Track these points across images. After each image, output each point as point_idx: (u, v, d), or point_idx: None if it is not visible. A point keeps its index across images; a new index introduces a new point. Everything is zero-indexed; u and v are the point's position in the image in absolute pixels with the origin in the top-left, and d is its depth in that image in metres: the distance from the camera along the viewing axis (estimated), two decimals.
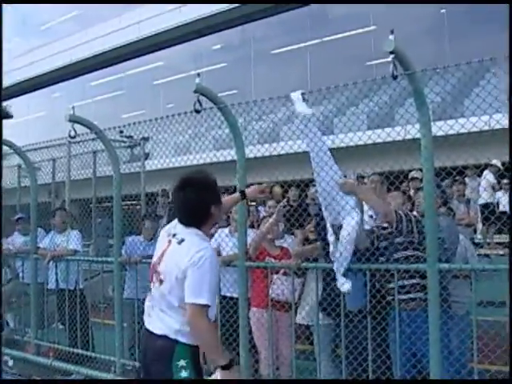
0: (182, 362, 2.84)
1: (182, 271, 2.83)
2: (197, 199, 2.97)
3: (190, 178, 3.04)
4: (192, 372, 2.84)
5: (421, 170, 7.91)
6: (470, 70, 4.06)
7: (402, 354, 4.09)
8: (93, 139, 9.45)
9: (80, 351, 6.35)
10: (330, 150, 4.40)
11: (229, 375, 2.82)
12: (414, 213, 5.10)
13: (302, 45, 17.52)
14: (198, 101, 4.63)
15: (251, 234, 5.25)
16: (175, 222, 3.09)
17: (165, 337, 2.89)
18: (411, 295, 4.16)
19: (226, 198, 3.75)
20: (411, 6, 13.97)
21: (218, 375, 2.81)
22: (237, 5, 16.62)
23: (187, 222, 3.01)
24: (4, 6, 5.62)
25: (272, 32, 18.20)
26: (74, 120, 5.74)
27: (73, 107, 5.88)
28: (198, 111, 4.66)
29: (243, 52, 18.68)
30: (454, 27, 14.19)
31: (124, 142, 11.16)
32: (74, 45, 21.16)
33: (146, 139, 11.35)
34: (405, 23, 13.46)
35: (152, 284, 3.03)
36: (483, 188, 10.06)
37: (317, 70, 16.17)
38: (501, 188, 10.14)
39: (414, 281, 4.17)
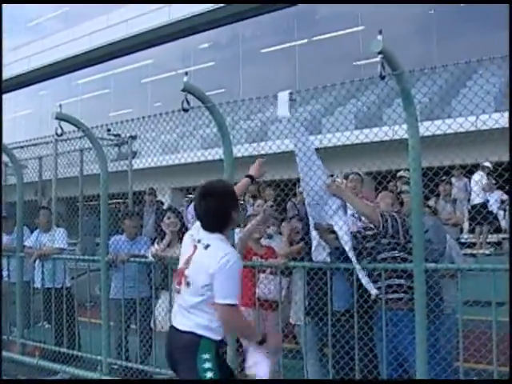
0: (207, 355, 3.10)
1: (210, 275, 3.08)
2: (218, 207, 3.21)
3: (211, 188, 3.31)
4: (214, 365, 3.11)
5: (408, 169, 7.96)
6: (458, 70, 4.10)
7: (388, 353, 4.11)
8: (80, 137, 9.41)
9: (66, 350, 6.31)
10: (318, 149, 4.41)
11: (266, 347, 3.27)
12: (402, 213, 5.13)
13: (291, 44, 17.52)
14: (186, 99, 4.61)
15: (239, 234, 5.25)
16: (197, 226, 3.32)
17: (191, 333, 3.15)
18: (397, 295, 4.18)
19: (237, 186, 3.93)
20: (400, 6, 14.03)
21: (255, 349, 3.29)
22: (224, 4, 16.62)
23: (211, 229, 3.24)
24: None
25: (260, 31, 18.19)
26: (61, 118, 5.72)
27: (60, 105, 5.85)
28: (185, 110, 4.65)
29: (231, 51, 18.65)
30: (442, 28, 14.26)
31: (111, 140, 11.10)
32: (61, 42, 21.03)
33: (133, 138, 11.31)
34: (393, 24, 13.51)
35: (179, 287, 3.28)
36: (479, 187, 10.12)
37: (305, 70, 16.18)
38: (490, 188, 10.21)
39: (401, 281, 4.19)
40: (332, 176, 4.43)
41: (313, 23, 17.16)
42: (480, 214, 9.42)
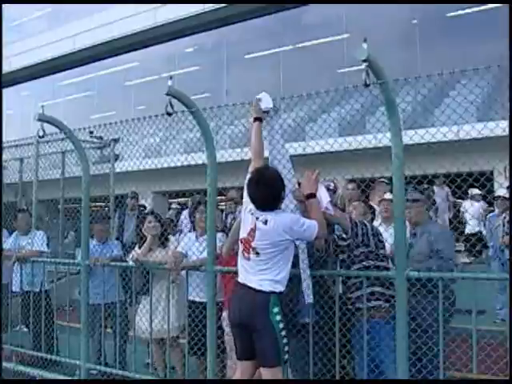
0: (276, 309, 3.76)
1: (279, 239, 3.80)
2: (272, 192, 3.87)
3: (262, 175, 3.92)
4: (282, 316, 3.79)
5: (389, 178, 7.97)
6: (441, 80, 4.12)
7: (366, 363, 4.11)
8: (62, 139, 9.32)
9: (44, 355, 6.23)
10: (304, 155, 4.42)
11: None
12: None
13: (276, 50, 17.54)
14: (170, 103, 4.58)
15: (221, 239, 5.22)
16: (252, 204, 3.94)
17: (261, 291, 3.78)
18: (371, 304, 4.19)
19: (252, 139, 4.32)
20: (385, 15, 14.13)
21: None
22: (212, 7, 16.60)
23: (267, 209, 3.87)
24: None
25: (246, 37, 18.16)
26: (43, 119, 5.65)
27: (42, 106, 5.79)
28: (169, 114, 4.62)
29: (216, 56, 18.62)
30: (425, 38, 14.37)
31: (93, 142, 10.99)
32: (44, 43, 20.85)
33: (116, 140, 11.21)
34: (377, 32, 13.57)
35: (248, 255, 3.89)
36: (471, 215, 10.11)
37: (289, 76, 16.21)
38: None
39: (374, 289, 4.21)
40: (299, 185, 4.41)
41: (298, 30, 17.20)
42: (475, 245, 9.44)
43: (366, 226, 4.32)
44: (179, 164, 6.48)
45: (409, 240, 4.69)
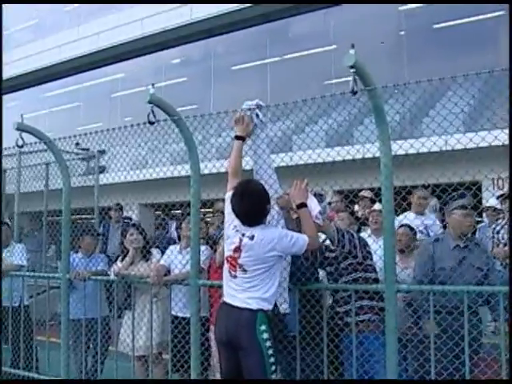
0: (264, 327, 3.60)
1: (267, 255, 3.64)
2: (257, 206, 3.71)
3: (246, 188, 3.77)
4: (270, 334, 3.62)
5: (371, 189, 7.89)
6: (431, 87, 4.01)
7: (358, 377, 3.96)
8: (45, 150, 9.13)
9: (22, 372, 6.01)
10: (290, 167, 4.29)
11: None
12: (363, 234, 5.06)
13: (262, 62, 17.48)
14: (152, 112, 4.45)
15: (205, 252, 5.07)
16: (236, 220, 3.77)
17: (248, 309, 3.62)
18: (359, 318, 4.06)
19: (232, 156, 4.17)
20: (372, 27, 14.10)
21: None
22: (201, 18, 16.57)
23: (252, 224, 3.72)
24: None
25: (233, 48, 18.10)
26: (22, 129, 5.50)
27: (21, 115, 5.62)
28: (151, 123, 4.48)
29: (203, 67, 18.51)
30: (412, 49, 14.35)
31: (78, 154, 10.82)
32: (30, 54, 20.66)
33: (102, 152, 11.06)
34: (364, 44, 13.53)
35: (234, 272, 3.74)
36: None
37: (276, 88, 16.12)
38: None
39: (363, 303, 4.07)
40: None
41: (285, 41, 17.15)
42: None
43: (353, 236, 4.17)
44: (167, 175, 6.32)
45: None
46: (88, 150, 11.12)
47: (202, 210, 5.43)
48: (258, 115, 4.27)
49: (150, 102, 4.41)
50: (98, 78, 20.18)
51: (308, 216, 3.87)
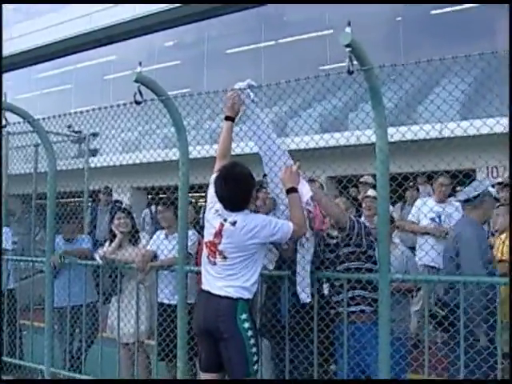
0: (244, 316, 3.47)
1: (248, 243, 3.49)
2: (241, 190, 3.55)
3: (231, 172, 3.58)
4: (251, 323, 3.51)
5: (373, 175, 7.71)
6: (429, 69, 3.83)
7: (350, 370, 3.80)
8: (34, 131, 8.92)
9: (6, 359, 5.86)
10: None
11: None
12: (362, 219, 4.88)
13: (257, 46, 17.23)
14: (139, 91, 4.25)
15: (192, 237, 4.89)
16: (218, 204, 3.60)
17: (228, 297, 3.48)
18: (352, 308, 3.88)
19: (221, 138, 4.02)
20: (369, 12, 13.85)
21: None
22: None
23: (235, 210, 3.56)
24: None
25: (227, 31, 17.81)
26: (5, 108, 5.32)
27: (5, 93, 5.43)
28: (138, 102, 4.28)
29: (197, 50, 18.22)
30: (409, 36, 14.13)
31: (67, 135, 10.59)
32: (20, 34, 20.26)
33: (94, 135, 10.86)
34: (361, 29, 13.29)
35: (213, 259, 3.59)
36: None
37: (271, 72, 15.89)
38: None
39: (355, 292, 3.89)
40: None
41: (280, 25, 16.89)
42: None
43: (359, 223, 3.98)
44: (159, 159, 6.16)
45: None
46: (80, 132, 10.92)
47: (197, 194, 5.28)
48: (249, 95, 4.07)
49: (136, 81, 4.22)
50: (88, 60, 19.83)
51: (297, 202, 3.70)
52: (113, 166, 7.66)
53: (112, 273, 5.21)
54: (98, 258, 5.34)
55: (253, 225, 3.50)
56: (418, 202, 6.82)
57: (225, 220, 3.56)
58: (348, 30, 3.38)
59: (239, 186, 3.54)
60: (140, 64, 4.32)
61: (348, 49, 3.37)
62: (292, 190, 3.70)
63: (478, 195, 4.17)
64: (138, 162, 6.89)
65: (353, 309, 3.85)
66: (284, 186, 3.76)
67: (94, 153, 12.06)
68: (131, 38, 18.24)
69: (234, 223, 3.52)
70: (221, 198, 3.59)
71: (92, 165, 10.80)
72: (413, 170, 5.06)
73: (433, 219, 6.51)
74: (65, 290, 5.47)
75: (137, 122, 5.57)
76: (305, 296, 3.84)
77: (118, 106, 4.74)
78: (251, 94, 4.14)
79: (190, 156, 4.64)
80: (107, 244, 5.48)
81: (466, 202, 4.23)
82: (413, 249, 6.98)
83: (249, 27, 17.25)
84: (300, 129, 4.53)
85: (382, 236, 3.73)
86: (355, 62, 3.44)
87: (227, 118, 4.04)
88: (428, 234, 6.38)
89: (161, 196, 5.61)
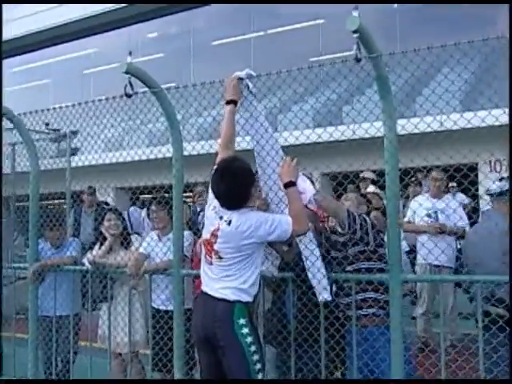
0: (242, 321, 3.35)
1: (243, 243, 3.40)
2: (239, 187, 3.44)
3: (229, 166, 3.50)
4: (251, 328, 3.39)
5: (373, 170, 7.68)
6: (425, 64, 3.80)
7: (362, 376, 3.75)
8: (10, 129, 8.80)
9: None
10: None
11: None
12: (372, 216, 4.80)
13: (246, 37, 17.16)
14: (130, 83, 4.17)
15: (188, 238, 4.82)
16: (216, 200, 3.54)
17: (224, 300, 3.40)
18: (364, 311, 3.83)
19: (224, 123, 3.86)
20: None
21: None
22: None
23: (231, 208, 3.48)
24: None
25: (213, 22, 17.73)
26: None
27: None
28: (129, 95, 4.21)
29: (182, 42, 18.13)
30: (406, 25, 14.15)
31: (48, 133, 10.47)
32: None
33: (74, 133, 10.74)
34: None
35: (210, 258, 3.53)
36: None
37: (260, 64, 15.83)
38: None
39: (367, 295, 3.84)
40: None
41: (270, 15, 16.83)
42: None
43: (365, 221, 3.91)
44: (144, 157, 6.07)
45: None
46: (59, 130, 10.80)
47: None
48: (248, 86, 4.00)
49: (126, 73, 4.13)
50: (68, 53, 19.66)
51: (296, 197, 3.58)
52: (96, 166, 7.57)
53: (103, 278, 5.11)
54: (86, 262, 5.24)
55: (247, 224, 3.41)
56: (412, 203, 6.85)
57: (220, 218, 3.49)
58: (355, 14, 3.32)
59: (236, 182, 3.43)
60: (130, 54, 4.26)
61: (355, 35, 3.31)
62: (290, 185, 3.59)
63: None
64: (121, 160, 6.82)
65: (365, 312, 3.79)
66: (281, 181, 3.64)
67: (74, 151, 11.93)
68: (113, 29, 18.12)
69: (229, 222, 3.45)
70: (217, 194, 3.51)
71: (73, 164, 10.69)
72: (413, 164, 5.04)
73: (429, 215, 6.51)
74: (47, 298, 5.38)
75: (120, 117, 5.50)
76: (327, 294, 3.74)
77: (107, 99, 4.65)
78: (250, 84, 4.06)
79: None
80: (97, 247, 5.36)
81: (499, 195, 4.20)
82: (413, 248, 7.00)
83: (237, 17, 17.20)
84: (289, 122, 4.48)
85: (392, 234, 3.67)
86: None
87: (228, 103, 3.90)
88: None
89: (154, 196, 5.51)
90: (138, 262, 4.83)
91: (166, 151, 5.13)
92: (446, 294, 5.19)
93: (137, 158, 6.40)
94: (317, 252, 3.73)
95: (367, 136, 4.07)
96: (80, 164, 10.19)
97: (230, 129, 3.84)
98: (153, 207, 5.28)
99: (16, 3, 17.66)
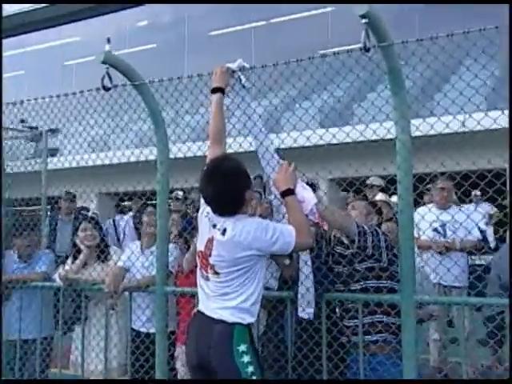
0: (243, 347, 3.19)
1: (244, 255, 3.25)
2: (230, 189, 3.28)
3: (218, 166, 3.36)
4: (253, 355, 3.22)
5: (382, 177, 7.58)
6: (444, 54, 3.71)
7: None
8: None
9: None
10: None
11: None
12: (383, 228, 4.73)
13: (245, 27, 17.20)
14: (108, 75, 4.09)
15: (173, 252, 4.74)
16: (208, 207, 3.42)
17: (222, 322, 3.25)
18: (373, 337, 3.73)
19: (212, 114, 3.77)
20: None
21: None
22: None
23: (223, 214, 3.34)
24: None
25: (210, 11, 17.77)
26: None
27: None
28: (106, 88, 4.12)
29: (175, 31, 18.16)
30: (425, 14, 14.13)
31: (22, 131, 10.41)
32: None
33: (53, 131, 10.68)
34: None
35: (206, 273, 3.39)
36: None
37: (262, 57, 15.83)
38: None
39: (376, 318, 3.74)
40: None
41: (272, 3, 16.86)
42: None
43: (377, 233, 3.80)
44: (132, 159, 6.05)
45: None
46: (36, 128, 10.74)
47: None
48: (240, 80, 3.93)
49: (104, 63, 4.05)
50: (46, 41, 19.65)
51: (296, 206, 3.46)
52: (76, 168, 7.51)
53: (76, 296, 5.03)
54: (57, 278, 5.14)
55: (244, 233, 3.24)
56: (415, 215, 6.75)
57: (214, 226, 3.36)
58: None
59: (226, 184, 3.27)
60: (108, 41, 4.18)
61: (364, 20, 3.23)
62: (288, 193, 3.48)
63: None
64: (107, 162, 6.77)
65: (374, 338, 3.69)
66: (278, 189, 3.55)
67: (53, 152, 11.88)
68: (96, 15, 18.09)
69: (223, 231, 3.30)
70: (206, 198, 3.39)
71: (52, 166, 10.64)
72: (430, 169, 4.95)
73: (436, 230, 6.32)
74: (12, 319, 5.30)
75: (106, 113, 5.45)
76: (305, 314, 3.71)
77: (82, 92, 4.59)
78: (242, 77, 4.00)
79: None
80: (69, 261, 5.29)
81: None
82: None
83: (236, 6, 17.18)
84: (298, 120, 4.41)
85: (405, 249, 3.58)
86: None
87: (215, 91, 3.82)
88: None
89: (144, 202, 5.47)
90: (116, 277, 4.76)
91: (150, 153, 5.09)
92: (459, 318, 5.11)
93: (124, 160, 6.32)
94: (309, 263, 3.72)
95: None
96: (59, 166, 10.13)
97: (218, 123, 3.74)
98: (149, 209, 5.25)
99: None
